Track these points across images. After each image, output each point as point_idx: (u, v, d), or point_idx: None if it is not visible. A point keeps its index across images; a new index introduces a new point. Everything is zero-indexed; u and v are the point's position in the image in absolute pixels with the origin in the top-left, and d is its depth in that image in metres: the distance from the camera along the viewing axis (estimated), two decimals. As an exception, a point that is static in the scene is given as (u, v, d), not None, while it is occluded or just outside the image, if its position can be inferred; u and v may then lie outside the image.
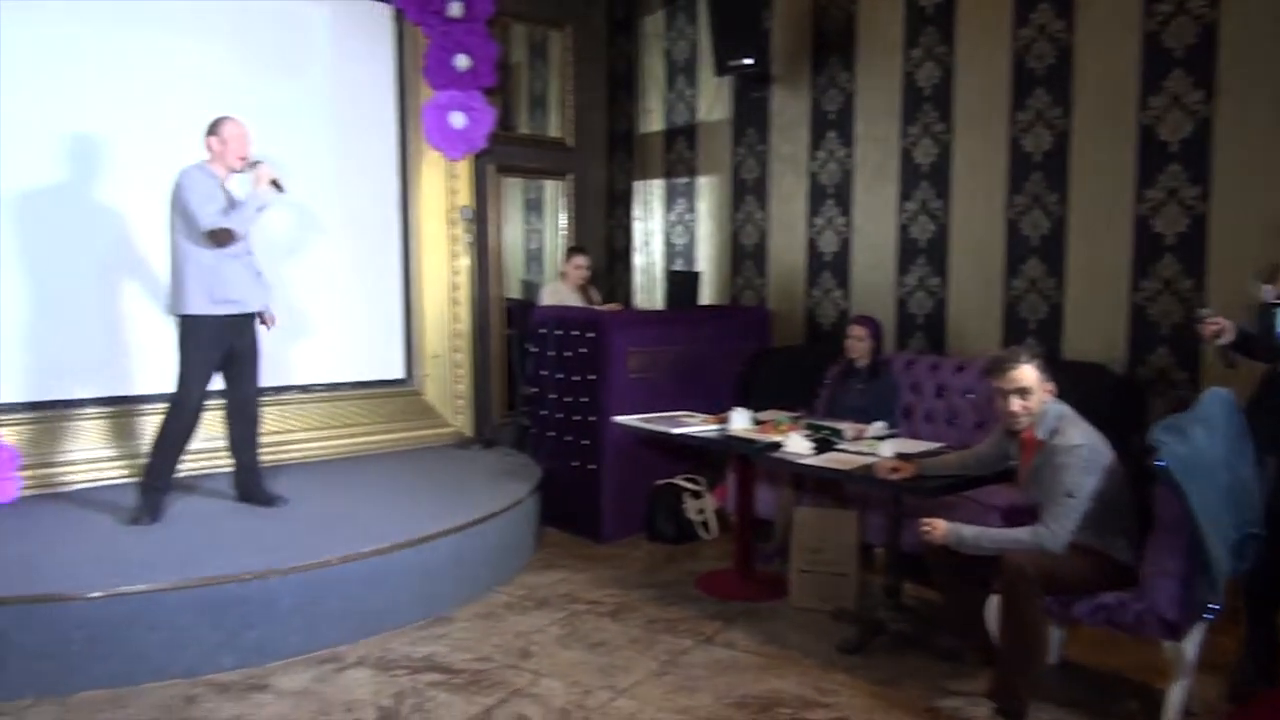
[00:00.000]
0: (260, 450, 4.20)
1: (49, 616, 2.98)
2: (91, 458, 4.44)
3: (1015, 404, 2.91)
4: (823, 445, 3.67)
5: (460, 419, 5.66)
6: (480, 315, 5.75)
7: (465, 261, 5.64)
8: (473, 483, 4.61)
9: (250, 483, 4.15)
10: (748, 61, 5.41)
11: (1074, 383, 3.28)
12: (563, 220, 6.40)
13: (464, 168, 5.65)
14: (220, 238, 3.76)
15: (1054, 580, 2.76)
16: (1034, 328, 4.59)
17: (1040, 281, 4.59)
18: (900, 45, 5.06)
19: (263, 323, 4.08)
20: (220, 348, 3.87)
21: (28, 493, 4.22)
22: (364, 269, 5.46)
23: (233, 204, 3.81)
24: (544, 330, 5.03)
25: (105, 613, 3.04)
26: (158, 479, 3.90)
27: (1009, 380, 2.90)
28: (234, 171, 3.88)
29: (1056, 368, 3.06)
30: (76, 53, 4.43)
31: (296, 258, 5.15)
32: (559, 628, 3.66)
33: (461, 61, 5.52)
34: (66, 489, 4.31)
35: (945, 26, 4.90)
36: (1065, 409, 2.93)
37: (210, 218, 3.74)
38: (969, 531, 2.91)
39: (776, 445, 3.69)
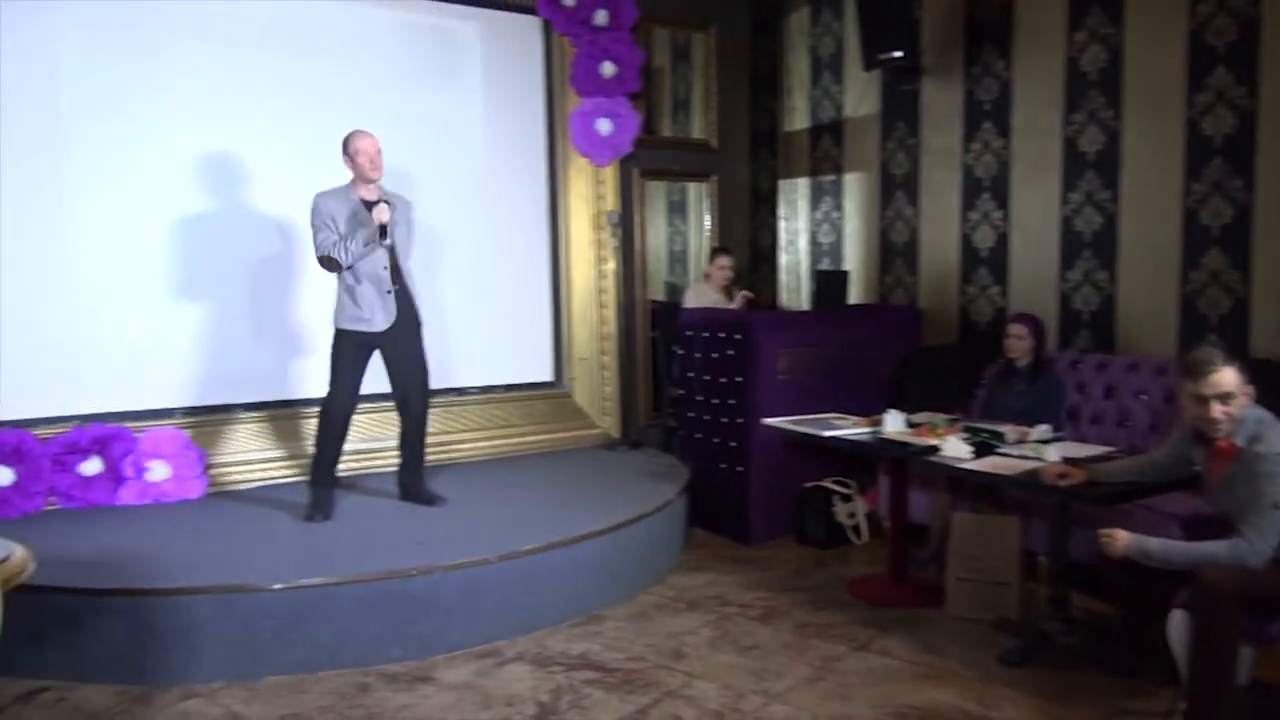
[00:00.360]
0: (425, 451, 4.39)
1: (241, 606, 3.23)
2: (260, 458, 4.78)
3: (1217, 410, 2.73)
4: (982, 449, 3.57)
5: (608, 420, 5.76)
6: (626, 318, 5.83)
7: (612, 265, 5.74)
8: (621, 484, 4.68)
9: (412, 481, 4.36)
10: (897, 54, 5.30)
11: (1264, 384, 3.07)
12: (707, 222, 6.42)
13: (610, 173, 5.75)
14: (329, 265, 4.04)
15: (1253, 597, 2.60)
16: (1215, 324, 4.32)
17: (1223, 274, 4.31)
18: (1063, 28, 4.85)
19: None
20: (361, 358, 4.12)
21: (216, 489, 4.59)
22: (515, 275, 5.63)
23: (360, 223, 4.00)
24: (692, 332, 5.07)
25: (287, 604, 3.26)
26: (322, 476, 4.18)
27: (1210, 384, 2.73)
28: (371, 183, 4.05)
29: (1244, 367, 2.88)
30: (236, 77, 4.75)
31: (451, 265, 5.36)
32: (710, 630, 3.69)
33: (607, 69, 5.63)
34: (241, 487, 4.64)
35: (1113, 6, 4.67)
36: (1265, 414, 2.75)
37: (319, 247, 4.03)
38: (1155, 544, 2.76)
39: (933, 449, 3.62)
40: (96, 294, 4.49)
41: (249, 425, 4.82)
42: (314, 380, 4.75)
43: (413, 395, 4.25)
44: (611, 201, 5.75)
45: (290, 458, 4.81)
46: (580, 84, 5.63)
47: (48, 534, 3.75)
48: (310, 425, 4.76)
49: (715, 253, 5.72)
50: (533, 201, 5.69)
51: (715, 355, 4.88)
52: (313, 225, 4.03)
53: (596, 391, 5.76)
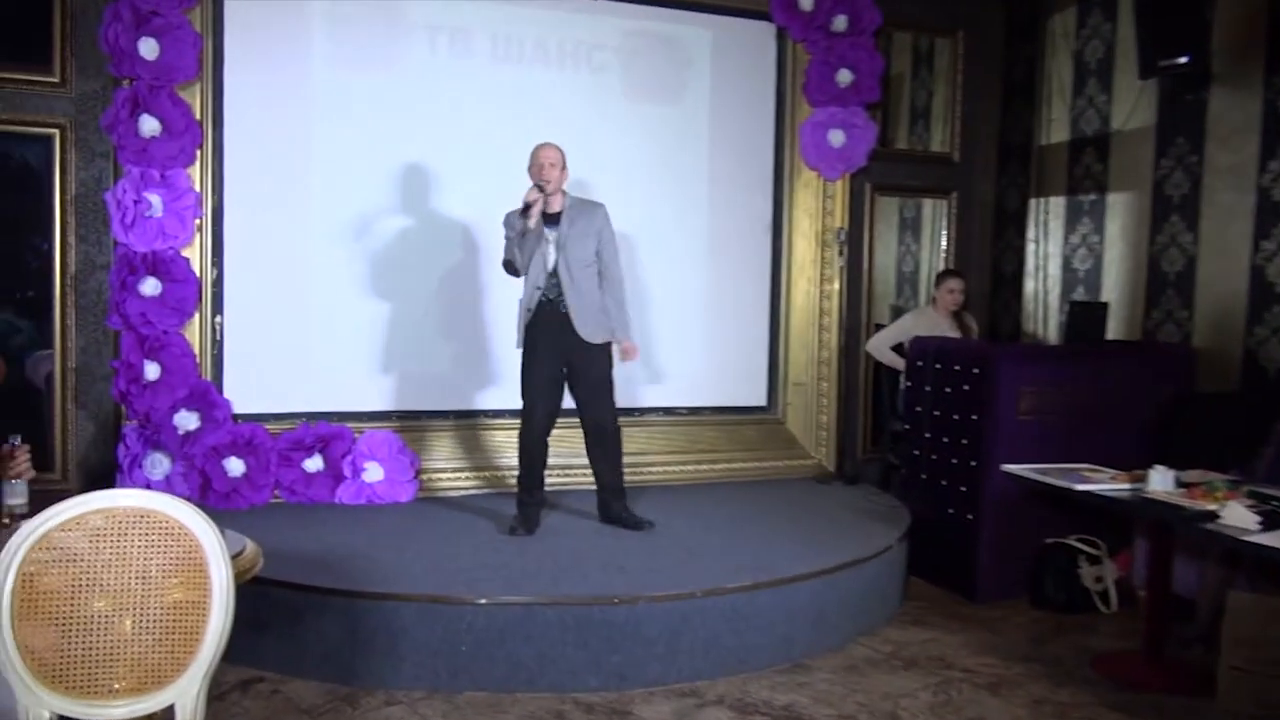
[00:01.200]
0: (623, 474, 4.40)
1: (444, 617, 3.30)
2: (467, 466, 4.96)
3: None
4: (1272, 519, 3.14)
5: (822, 451, 5.61)
6: (848, 342, 5.67)
7: (836, 286, 5.59)
8: (835, 522, 4.54)
9: (613, 505, 4.37)
10: (1182, 59, 4.84)
11: None
12: (943, 242, 6.16)
13: (839, 187, 5.61)
14: (510, 269, 4.15)
15: None
16: None
17: None
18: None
19: (622, 354, 4.30)
20: (547, 370, 4.16)
21: (427, 494, 4.81)
22: (731, 291, 5.58)
23: (540, 234, 4.08)
24: (921, 362, 4.83)
25: (489, 619, 3.31)
26: (524, 491, 4.27)
27: None
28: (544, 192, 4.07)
29: None
30: (460, 84, 4.97)
31: (665, 277, 5.40)
32: (930, 694, 3.44)
33: (844, 77, 5.51)
34: (448, 494, 4.83)
35: None
36: None
37: (505, 253, 4.14)
38: None
39: (1211, 515, 3.21)
40: (326, 298, 4.81)
41: (458, 433, 5.02)
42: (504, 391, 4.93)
43: (604, 416, 4.26)
44: (840, 218, 5.61)
45: (494, 468, 4.98)
46: (814, 93, 5.53)
47: (272, 526, 4.02)
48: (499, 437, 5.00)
49: (944, 275, 5.49)
50: (755, 215, 5.63)
51: (948, 389, 4.62)
52: (505, 236, 4.18)
53: (812, 420, 5.62)
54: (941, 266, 6.03)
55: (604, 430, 4.27)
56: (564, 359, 4.18)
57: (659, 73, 5.37)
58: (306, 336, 4.79)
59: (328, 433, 4.69)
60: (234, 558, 2.09)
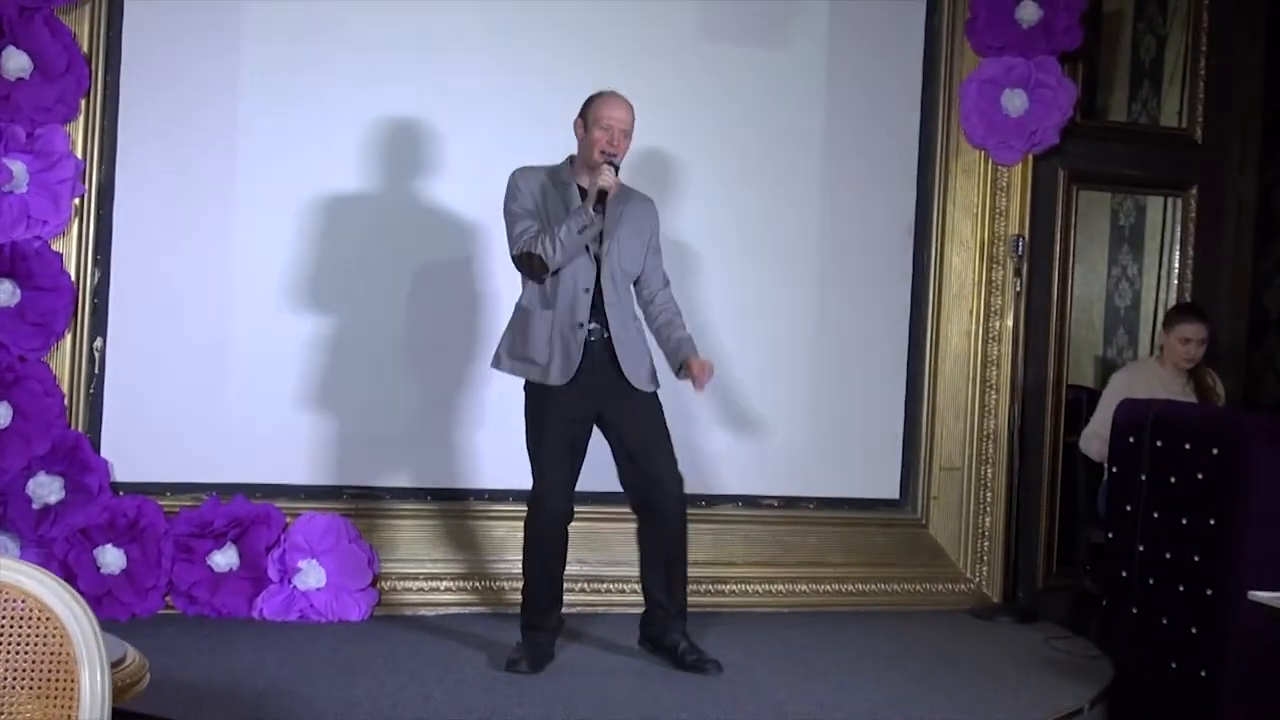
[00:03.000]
0: (687, 582, 4.43)
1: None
2: (452, 571, 5.09)
3: None
4: None
5: (983, 571, 5.61)
6: (1026, 409, 5.68)
7: (1008, 322, 5.64)
8: (999, 678, 4.53)
9: (669, 632, 4.37)
10: None
11: None
12: (1175, 261, 6.17)
13: (1018, 175, 5.69)
14: (530, 266, 4.15)
15: None
16: None
17: None
18: None
19: (691, 381, 4.34)
20: (570, 428, 4.24)
21: (388, 612, 4.92)
22: (850, 326, 5.63)
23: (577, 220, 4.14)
24: (1134, 437, 4.80)
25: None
26: (532, 610, 4.31)
27: None
28: (591, 169, 4.17)
29: None
30: (435, 21, 5.19)
31: (748, 303, 5.47)
32: None
33: (1028, 12, 5.58)
34: (419, 612, 4.95)
35: None
36: None
37: (515, 241, 4.18)
38: None
39: None
40: (252, 319, 4.98)
41: (436, 522, 5.15)
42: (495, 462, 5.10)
43: (666, 486, 4.30)
44: (1017, 221, 5.67)
45: (487, 575, 5.10)
46: (983, 35, 5.62)
47: (160, 646, 4.02)
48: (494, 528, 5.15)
49: (1176, 314, 5.50)
50: (890, 213, 5.69)
51: (1173, 479, 4.57)
52: (507, 212, 4.23)
53: (968, 523, 5.64)
54: (1174, 300, 6.04)
55: (667, 508, 4.31)
56: (594, 412, 4.27)
57: (754, 12, 5.51)
58: (223, 372, 4.95)
59: (247, 514, 4.82)
60: (113, 667, 2.16)
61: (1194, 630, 4.44)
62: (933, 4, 5.71)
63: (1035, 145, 5.66)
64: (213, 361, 4.95)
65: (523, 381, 4.29)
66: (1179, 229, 6.17)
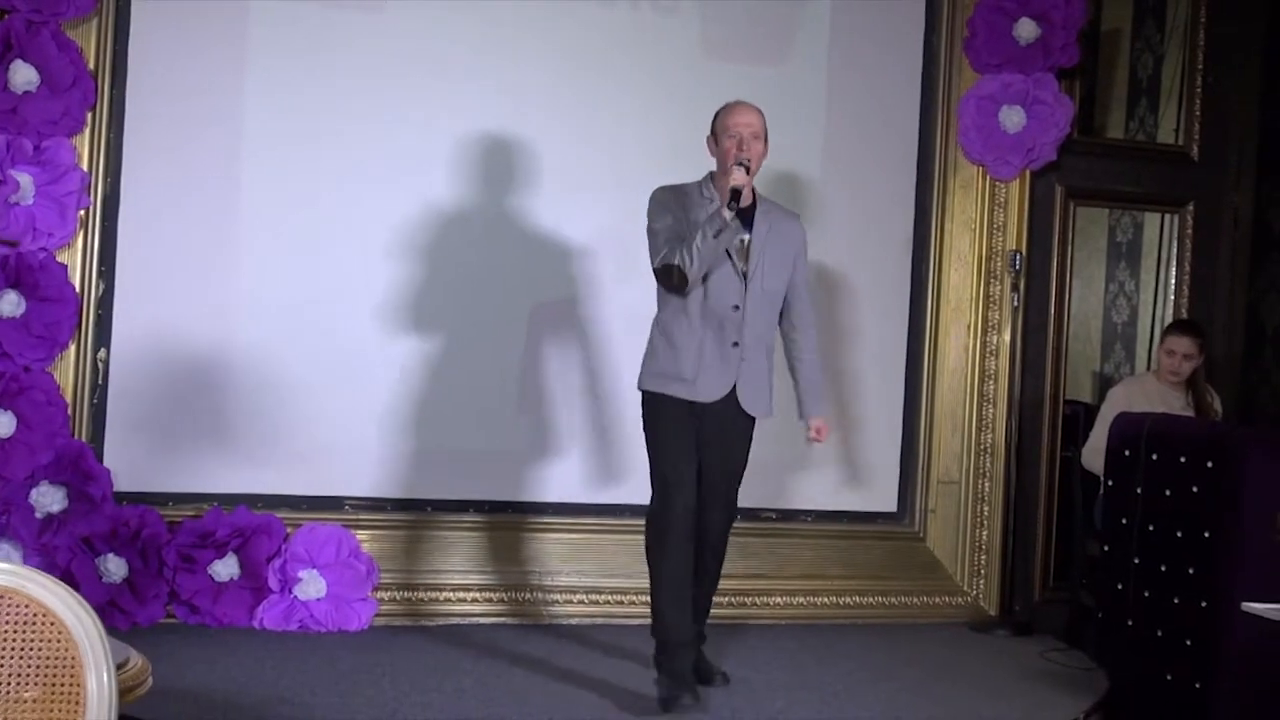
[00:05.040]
0: (708, 609, 4.49)
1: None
2: (462, 582, 5.14)
3: None
4: None
5: (981, 584, 5.66)
6: (1024, 423, 5.74)
7: (1006, 337, 5.71)
8: (995, 691, 4.58)
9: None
10: None
11: None
12: (1173, 277, 6.24)
13: (1015, 191, 5.78)
14: (670, 279, 4.11)
15: None
16: None
17: None
18: None
19: (812, 434, 4.43)
20: (687, 432, 4.20)
21: (387, 621, 4.96)
22: (848, 340, 5.72)
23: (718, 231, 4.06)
24: (1129, 450, 4.82)
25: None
26: (669, 626, 4.17)
27: None
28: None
29: None
30: (448, 30, 5.30)
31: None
32: None
33: (1026, 30, 5.66)
34: (434, 620, 5.01)
35: None
36: None
37: (655, 253, 4.15)
38: None
39: None
40: (258, 330, 5.06)
41: (443, 533, 5.22)
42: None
43: (720, 510, 4.33)
44: (1015, 237, 5.75)
45: (494, 588, 5.13)
46: (981, 52, 5.72)
47: (162, 655, 4.00)
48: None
49: (1172, 330, 5.57)
50: (887, 229, 5.78)
51: (1168, 491, 4.60)
52: (649, 229, 4.21)
53: (965, 537, 5.70)
54: (1170, 316, 6.11)
55: (710, 535, 4.33)
56: (695, 425, 4.23)
57: (758, 17, 5.59)
58: (225, 384, 5.04)
59: (248, 524, 4.88)
60: (117, 669, 2.21)
61: (1189, 642, 4.47)
62: (931, 22, 5.81)
63: (1033, 162, 5.73)
64: (216, 373, 5.02)
65: (640, 395, 4.29)
66: (1176, 245, 6.23)
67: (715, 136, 4.24)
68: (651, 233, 4.20)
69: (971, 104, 5.72)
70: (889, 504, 5.77)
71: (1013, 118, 5.68)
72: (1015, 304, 5.69)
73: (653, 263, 4.16)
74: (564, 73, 5.31)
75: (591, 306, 5.36)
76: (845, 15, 5.72)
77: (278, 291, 5.08)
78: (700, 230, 4.00)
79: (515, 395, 5.31)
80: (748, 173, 4.05)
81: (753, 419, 4.30)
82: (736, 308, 4.16)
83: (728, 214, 3.97)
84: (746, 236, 4.14)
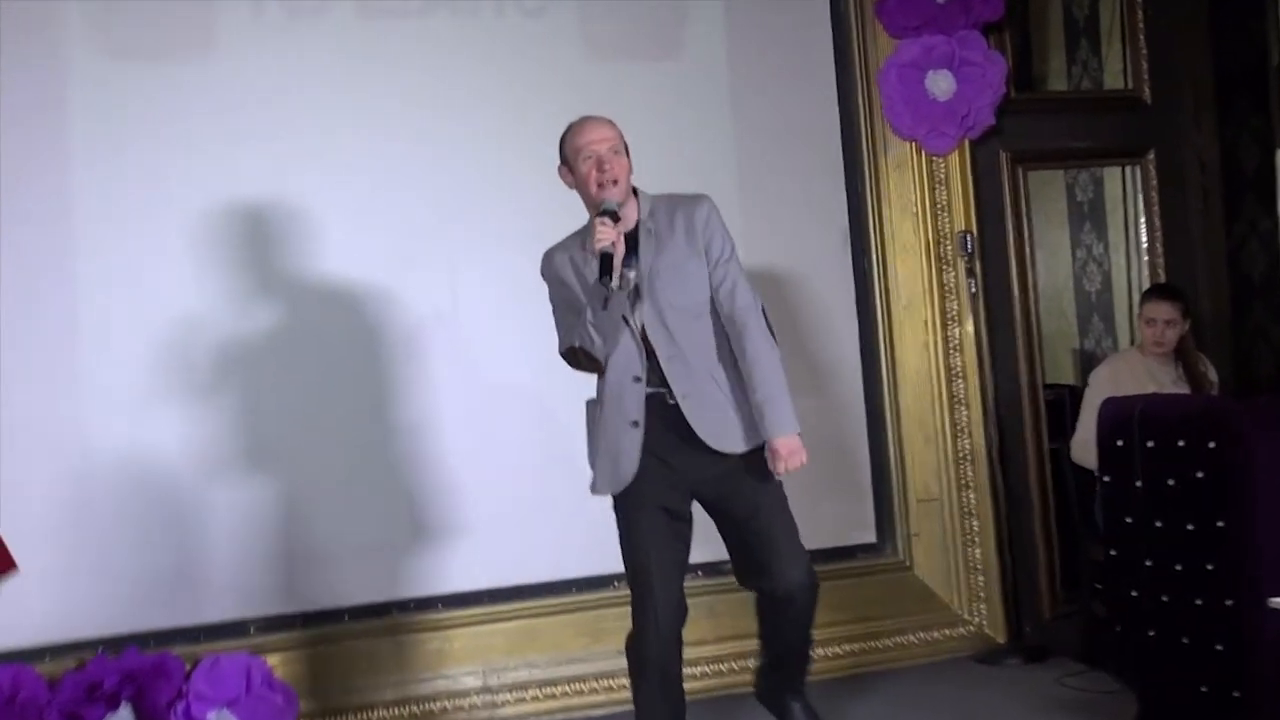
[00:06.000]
0: (805, 669, 4.37)
1: None
2: (359, 702, 5.00)
3: None
4: None
5: (982, 609, 5.61)
6: (1002, 421, 5.71)
7: (969, 328, 5.65)
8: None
9: (785, 690, 4.33)
10: None
11: None
12: (1143, 236, 6.22)
13: (956, 165, 5.74)
14: (578, 363, 3.97)
15: None
16: None
17: None
18: None
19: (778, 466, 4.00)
20: (664, 516, 3.97)
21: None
22: (786, 350, 5.39)
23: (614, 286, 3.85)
24: (1121, 440, 4.76)
25: None
26: None
27: None
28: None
29: None
30: (296, 68, 5.21)
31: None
32: None
33: None
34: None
35: None
36: None
37: (560, 336, 4.00)
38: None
39: None
40: (114, 444, 4.92)
41: (368, 641, 5.06)
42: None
43: (780, 570, 4.04)
44: (962, 215, 5.70)
45: (430, 696, 4.99)
46: (895, 16, 5.65)
47: None
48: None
49: (1149, 296, 5.52)
50: (818, 227, 5.70)
51: (1170, 480, 4.55)
52: (551, 302, 4.08)
53: (958, 558, 5.64)
54: (1148, 279, 6.11)
55: (786, 598, 4.08)
56: (689, 488, 4.01)
57: (643, 6, 5.55)
58: (88, 509, 4.87)
59: (140, 668, 4.69)
60: None
61: (1219, 647, 4.39)
62: None
63: (970, 129, 5.69)
64: (75, 498, 4.87)
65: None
66: (1141, 199, 6.23)
67: (568, 164, 3.99)
68: (552, 306, 4.07)
69: (893, 74, 5.65)
70: (867, 534, 5.69)
71: (941, 84, 5.64)
72: (973, 290, 5.66)
73: (559, 345, 4.01)
74: (429, 99, 5.27)
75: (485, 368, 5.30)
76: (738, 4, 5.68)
77: (129, 389, 4.97)
78: (589, 305, 3.84)
79: (422, 472, 5.20)
80: (615, 219, 3.81)
81: (753, 453, 3.99)
82: (637, 379, 3.92)
83: (616, 280, 3.76)
84: (632, 274, 3.87)
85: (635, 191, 3.99)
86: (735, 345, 3.98)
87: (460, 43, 5.34)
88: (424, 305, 5.24)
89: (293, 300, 5.14)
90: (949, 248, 5.69)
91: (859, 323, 5.76)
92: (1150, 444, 4.62)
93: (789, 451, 3.90)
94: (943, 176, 5.73)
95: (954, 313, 5.71)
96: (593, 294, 3.80)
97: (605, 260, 3.73)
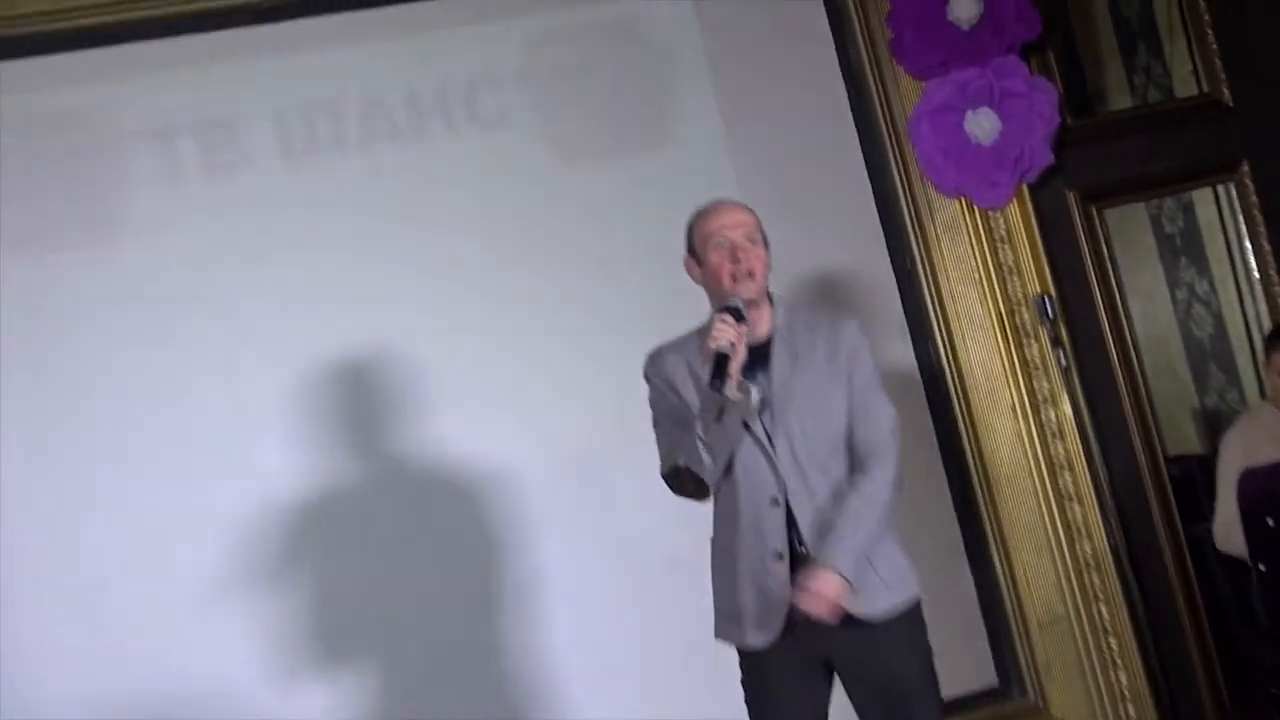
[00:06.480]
0: None
1: None
2: None
3: None
4: None
5: (1138, 743, 5.47)
6: (1125, 513, 5.62)
7: (1065, 409, 5.57)
8: None
9: None
10: None
11: None
12: (1250, 261, 6.13)
13: (1016, 216, 5.66)
14: (683, 486, 3.80)
15: None
16: None
17: None
18: None
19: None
20: (804, 686, 3.85)
21: None
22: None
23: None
24: (1272, 519, 4.80)
25: None
26: None
27: None
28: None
29: None
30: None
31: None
32: None
33: (963, 8, 5.55)
34: None
35: None
36: None
37: (662, 452, 3.83)
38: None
39: None
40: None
41: None
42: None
43: None
44: (1035, 276, 5.62)
45: None
46: (916, 55, 5.60)
47: None
48: None
49: (1269, 340, 5.49)
50: (866, 317, 5.42)
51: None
52: (652, 410, 3.94)
53: (1100, 688, 5.47)
54: (1266, 313, 6.03)
55: None
56: (823, 660, 3.87)
57: (622, 98, 5.54)
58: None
59: None
60: None
61: None
62: (841, 35, 5.74)
63: (1026, 172, 5.60)
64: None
65: None
66: (1242, 220, 6.13)
67: (696, 254, 3.87)
68: (653, 425, 3.92)
69: (925, 123, 5.57)
70: (988, 678, 5.55)
71: (983, 125, 5.55)
72: (1063, 362, 5.56)
73: (661, 468, 3.85)
74: (382, 249, 5.26)
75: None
76: (731, 62, 5.63)
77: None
78: (700, 417, 3.69)
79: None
80: (740, 317, 3.66)
81: (900, 617, 3.82)
82: (775, 500, 3.79)
83: (733, 388, 3.59)
84: (755, 390, 3.72)
85: (770, 298, 3.89)
86: (855, 472, 3.83)
87: (409, 172, 5.36)
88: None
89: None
90: (1026, 316, 5.59)
91: (933, 420, 5.67)
92: (1306, 519, 4.64)
93: (822, 586, 3.62)
94: (1004, 233, 5.65)
95: (1045, 393, 5.59)
96: (705, 403, 3.68)
97: (720, 362, 3.56)
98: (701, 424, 3.65)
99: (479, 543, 5.22)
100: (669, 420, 3.82)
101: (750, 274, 3.74)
